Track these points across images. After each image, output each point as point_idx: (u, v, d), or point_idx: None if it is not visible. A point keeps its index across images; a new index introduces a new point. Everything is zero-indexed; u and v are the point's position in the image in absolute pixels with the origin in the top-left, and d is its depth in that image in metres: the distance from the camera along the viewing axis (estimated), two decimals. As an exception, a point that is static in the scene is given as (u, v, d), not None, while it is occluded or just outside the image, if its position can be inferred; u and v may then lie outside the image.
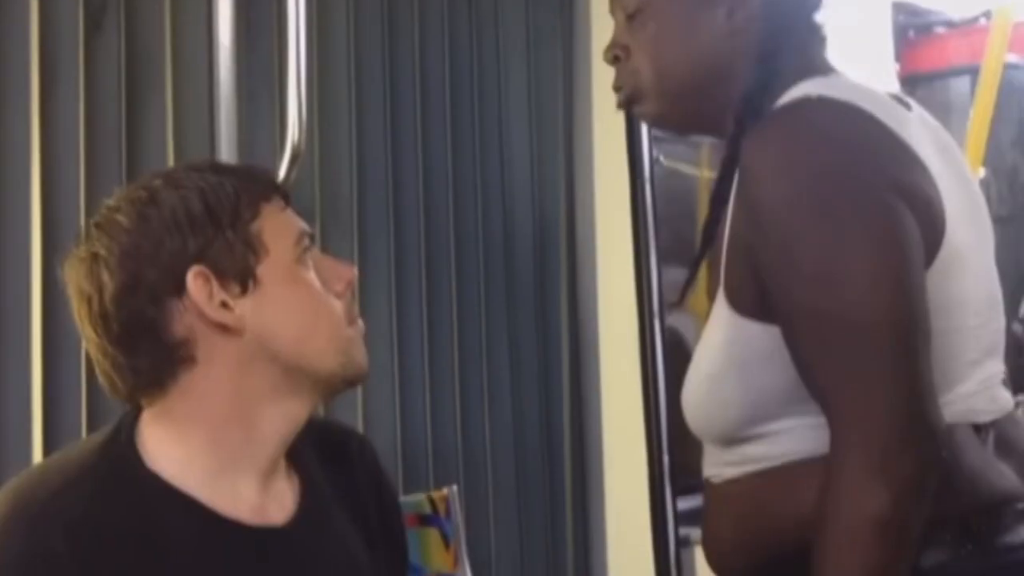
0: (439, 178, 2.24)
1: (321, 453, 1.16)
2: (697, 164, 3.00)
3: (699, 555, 2.44)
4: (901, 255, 1.08)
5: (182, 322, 1.03)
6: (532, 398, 2.41)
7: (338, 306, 1.08)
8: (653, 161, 2.42)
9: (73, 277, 1.05)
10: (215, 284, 1.03)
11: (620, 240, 2.46)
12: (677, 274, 2.95)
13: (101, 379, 1.07)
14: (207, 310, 1.02)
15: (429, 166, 2.22)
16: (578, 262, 2.50)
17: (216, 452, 1.05)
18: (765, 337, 1.14)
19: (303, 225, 1.10)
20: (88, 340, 1.05)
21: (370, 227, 2.11)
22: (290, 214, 1.09)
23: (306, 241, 1.08)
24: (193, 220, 1.03)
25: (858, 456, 1.06)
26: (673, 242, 2.68)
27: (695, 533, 2.48)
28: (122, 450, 1.04)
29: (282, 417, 1.06)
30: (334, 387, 1.10)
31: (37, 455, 1.61)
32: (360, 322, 1.11)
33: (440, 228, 2.25)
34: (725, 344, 1.17)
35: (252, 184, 1.07)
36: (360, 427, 2.00)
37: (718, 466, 1.24)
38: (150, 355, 1.03)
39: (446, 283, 2.25)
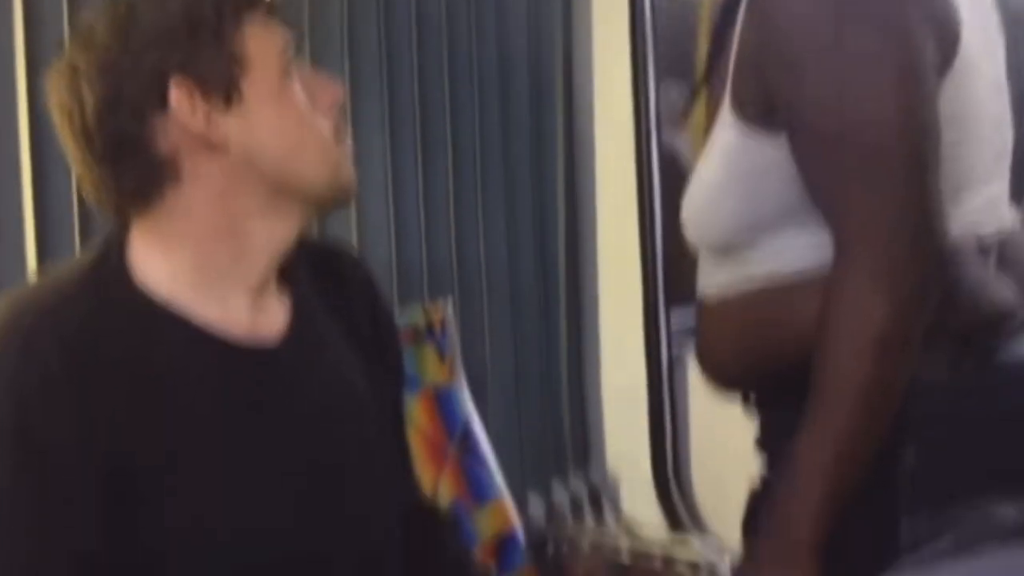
0: (434, 22, 2.18)
1: (314, 271, 1.15)
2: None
3: (692, 365, 2.49)
4: (915, 72, 1.07)
5: (166, 138, 1.01)
6: (526, 212, 2.40)
7: (325, 124, 1.06)
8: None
9: (55, 91, 1.03)
10: (198, 97, 1.00)
11: (618, 57, 2.41)
12: (675, 93, 2.90)
13: (87, 194, 1.06)
14: (190, 124, 1.00)
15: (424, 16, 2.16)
16: (575, 79, 2.46)
17: (204, 269, 1.04)
18: (768, 147, 1.13)
19: (287, 35, 1.06)
20: (72, 156, 1.04)
21: (359, 35, 2.05)
22: (274, 24, 1.06)
23: (291, 51, 1.06)
24: (173, 31, 1.00)
25: (863, 271, 1.07)
26: (671, 60, 2.62)
27: (688, 349, 2.52)
28: (112, 268, 1.03)
29: (271, 234, 1.05)
30: (322, 205, 1.09)
31: (31, 272, 1.61)
32: (348, 140, 1.09)
33: (434, 41, 2.19)
34: (728, 153, 1.17)
35: None
36: (354, 242, 1.99)
37: (716, 281, 1.24)
38: (135, 171, 1.01)
39: (440, 98, 2.21)
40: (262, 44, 1.03)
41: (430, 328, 1.86)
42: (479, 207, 2.30)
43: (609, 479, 2.52)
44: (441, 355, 1.87)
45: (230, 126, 1.01)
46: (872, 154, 1.07)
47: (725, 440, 2.47)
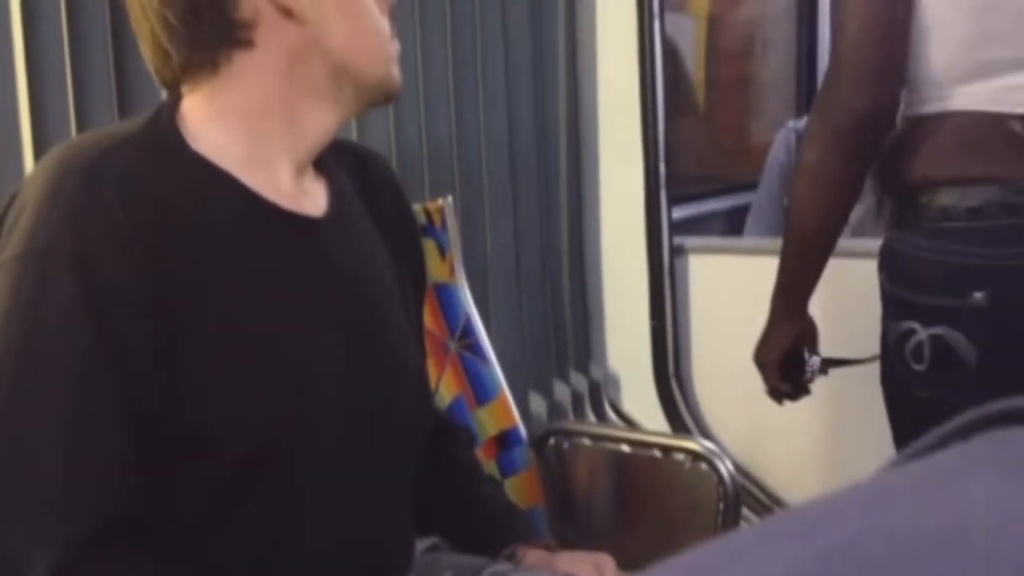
0: None
1: (349, 168, 1.20)
2: None
3: (692, 262, 2.48)
4: None
5: (249, 2, 1.04)
6: (527, 108, 2.36)
7: (384, 22, 1.11)
8: None
9: None
10: None
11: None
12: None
13: (150, 56, 1.07)
14: None
15: None
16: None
17: (256, 138, 1.07)
18: None
19: None
20: (144, 20, 1.05)
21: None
22: None
23: None
24: None
25: (819, 97, 1.40)
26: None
27: (688, 241, 2.49)
28: (165, 130, 1.05)
29: (321, 117, 1.09)
30: (372, 98, 1.13)
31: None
32: (397, 42, 1.13)
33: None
34: None
35: None
36: (355, 139, 1.95)
37: None
38: (212, 29, 1.04)
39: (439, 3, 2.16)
40: None
41: (430, 224, 1.83)
42: (480, 104, 2.25)
43: (611, 378, 2.52)
44: (442, 252, 1.84)
45: (306, 2, 1.05)
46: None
47: (726, 340, 2.49)
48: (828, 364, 1.64)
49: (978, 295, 1.32)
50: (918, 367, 1.39)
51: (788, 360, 1.62)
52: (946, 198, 1.35)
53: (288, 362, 1.05)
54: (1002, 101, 1.32)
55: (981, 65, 1.32)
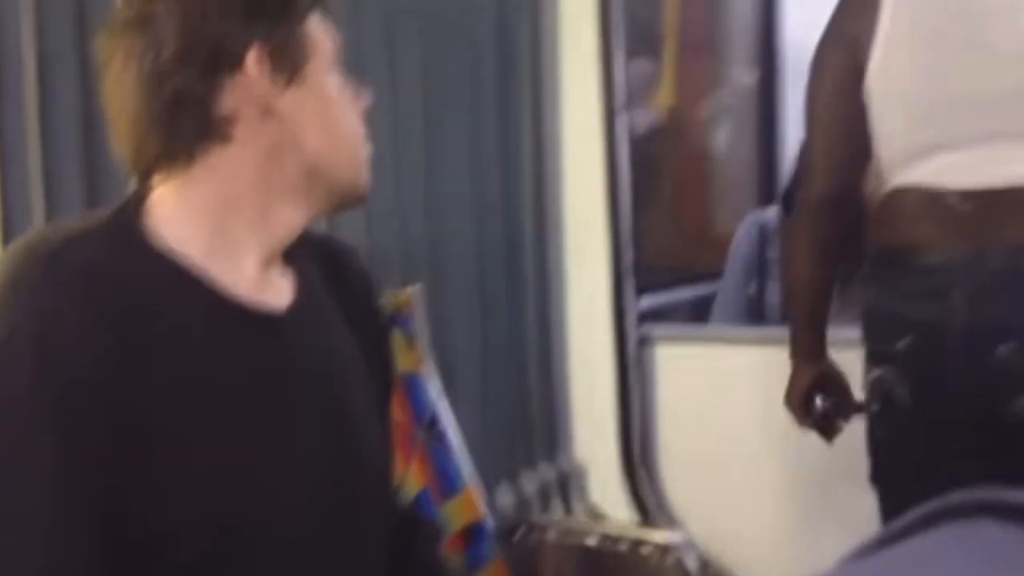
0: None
1: (320, 261, 1.20)
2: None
3: (659, 351, 2.49)
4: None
5: (230, 99, 1.05)
6: (495, 200, 2.38)
7: (360, 124, 1.13)
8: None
9: (121, 35, 1.06)
10: (269, 67, 1.06)
11: (585, 35, 2.38)
12: (641, 67, 2.89)
13: (124, 145, 1.08)
14: (257, 90, 1.05)
15: None
16: (542, 61, 2.43)
17: (224, 231, 1.07)
18: None
19: (337, 41, 1.14)
20: (122, 107, 1.06)
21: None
22: (327, 26, 1.14)
23: (341, 61, 1.13)
24: (264, 2, 1.07)
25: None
26: (638, 37, 2.60)
27: (655, 330, 2.51)
28: (129, 220, 1.05)
29: (291, 213, 1.10)
30: (343, 200, 1.14)
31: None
32: (370, 145, 1.15)
33: (412, 37, 2.16)
34: None
35: None
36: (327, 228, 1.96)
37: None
38: (193, 122, 1.05)
39: (413, 88, 2.18)
40: (323, 37, 1.12)
41: (399, 314, 1.83)
42: (448, 197, 2.27)
43: (577, 468, 2.51)
44: (410, 342, 1.84)
45: (288, 100, 1.07)
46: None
47: (694, 428, 2.49)
48: (842, 408, 1.86)
49: (903, 342, 1.60)
50: (873, 408, 1.67)
51: (809, 401, 1.87)
52: (891, 259, 1.64)
53: (250, 462, 1.03)
54: (941, 177, 1.57)
55: (921, 149, 1.59)
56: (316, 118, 1.09)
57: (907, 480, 1.64)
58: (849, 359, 2.30)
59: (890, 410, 1.62)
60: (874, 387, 1.65)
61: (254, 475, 1.04)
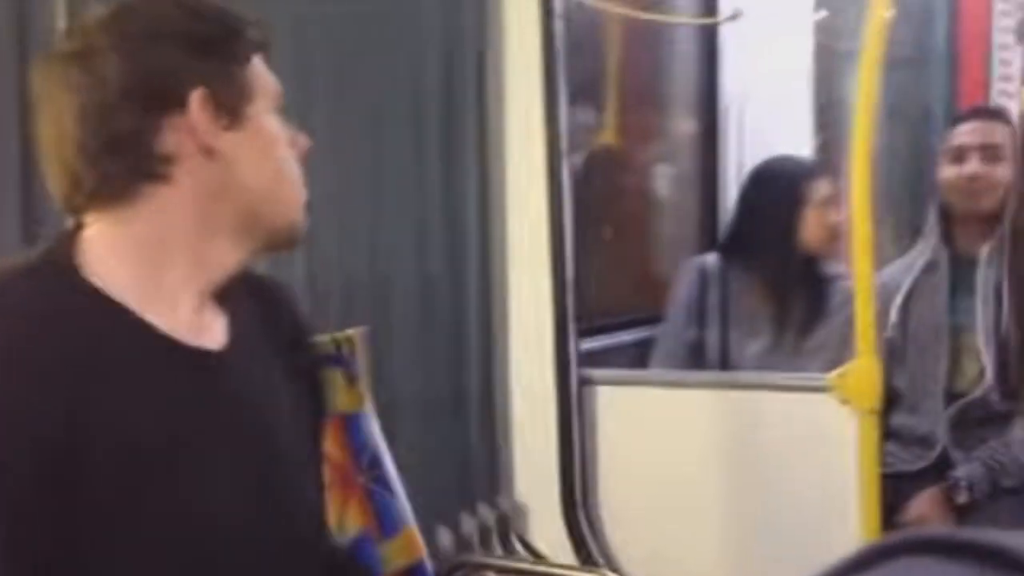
0: (349, 27, 2.16)
1: (252, 298, 1.20)
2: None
3: (600, 393, 2.51)
4: None
5: (170, 139, 1.04)
6: (438, 240, 2.39)
7: (298, 168, 1.14)
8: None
9: (61, 70, 1.05)
10: (212, 109, 1.06)
11: (529, 83, 2.41)
12: (584, 115, 2.93)
13: (59, 182, 1.06)
14: (199, 131, 1.05)
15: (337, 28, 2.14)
16: (487, 106, 2.45)
17: (158, 271, 1.06)
18: None
19: (279, 85, 1.15)
20: (58, 144, 1.05)
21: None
22: (267, 71, 1.14)
23: (279, 101, 1.14)
24: (209, 44, 1.06)
25: None
26: (581, 81, 2.64)
27: (596, 373, 2.52)
28: (62, 258, 1.04)
29: (226, 254, 1.09)
30: (278, 242, 1.15)
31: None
32: (305, 190, 1.16)
33: (349, 71, 2.18)
34: None
35: (249, 30, 1.11)
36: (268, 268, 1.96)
37: None
38: (131, 161, 1.04)
39: (354, 125, 2.19)
40: (264, 81, 1.12)
41: (340, 354, 1.83)
42: (393, 237, 2.28)
43: (518, 509, 2.51)
44: (351, 382, 1.84)
45: (229, 142, 1.07)
46: None
47: (634, 471, 2.50)
48: None
49: None
50: None
51: None
52: None
53: (184, 502, 1.03)
54: None
55: None
56: (256, 160, 1.09)
57: None
58: (793, 400, 2.34)
59: None
60: None
61: (189, 515, 1.03)
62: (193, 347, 1.07)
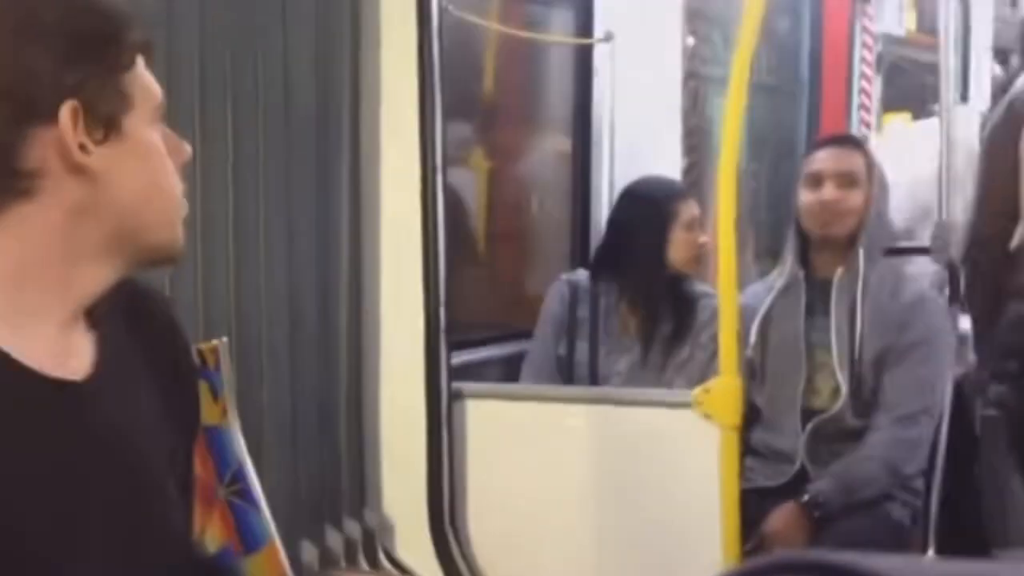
0: (218, 48, 2.13)
1: (124, 312, 1.12)
2: (486, 15, 2.97)
3: (470, 407, 2.51)
4: None
5: (38, 152, 0.97)
6: (308, 252, 2.36)
7: (178, 182, 1.07)
8: (442, 10, 2.37)
9: None
10: (84, 121, 0.98)
11: (405, 99, 2.41)
12: (459, 130, 2.94)
13: None
14: (69, 145, 0.97)
15: (207, 38, 2.10)
16: (362, 120, 2.44)
17: (20, 293, 1.00)
18: None
19: (160, 91, 1.07)
20: None
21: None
22: (149, 74, 1.06)
23: (161, 108, 1.06)
24: (80, 52, 0.98)
25: None
26: (456, 97, 2.65)
27: (466, 387, 2.53)
28: None
29: (94, 277, 1.03)
30: (154, 260, 1.09)
31: None
32: (186, 203, 1.10)
33: (217, 88, 2.14)
34: None
35: (133, 30, 1.02)
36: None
37: None
38: None
39: (222, 134, 2.16)
40: (145, 89, 1.04)
41: (204, 366, 1.79)
42: (260, 247, 2.24)
43: (385, 524, 2.49)
44: (215, 394, 1.80)
45: (102, 157, 0.99)
46: None
47: (503, 485, 2.51)
48: None
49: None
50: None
51: None
52: None
53: (47, 539, 0.98)
54: None
55: None
56: (132, 175, 1.02)
57: None
58: (659, 415, 2.38)
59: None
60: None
61: (51, 552, 0.98)
62: (57, 377, 1.01)
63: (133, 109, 1.02)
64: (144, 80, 1.04)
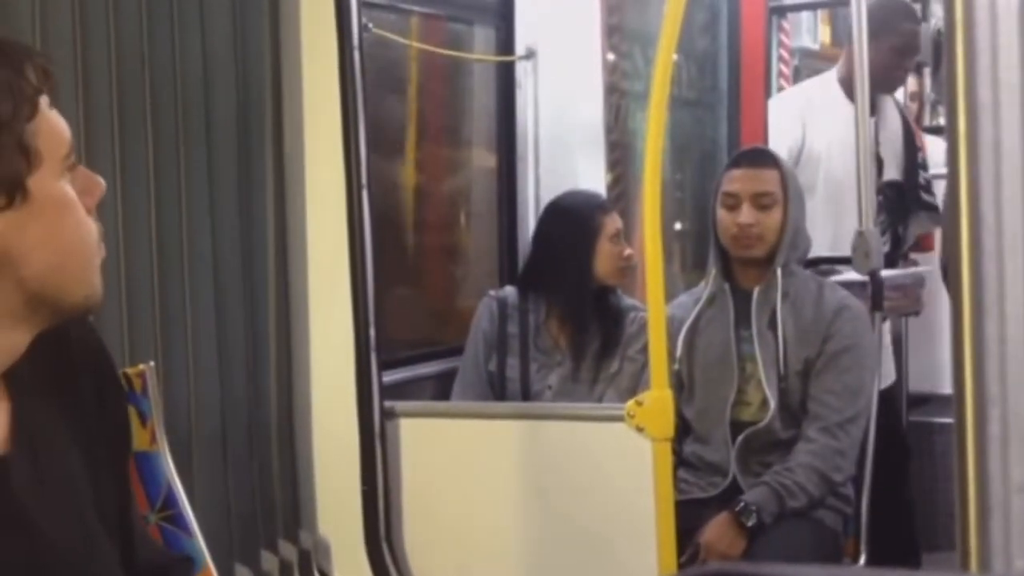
0: (132, 49, 2.10)
1: (43, 353, 1.06)
2: (407, 34, 2.97)
3: (403, 425, 2.50)
4: None
5: None
6: (235, 274, 2.34)
7: (95, 228, 1.00)
8: (363, 28, 2.37)
9: None
10: None
11: (329, 114, 2.40)
12: (384, 147, 2.93)
13: None
14: None
15: (121, 37, 2.07)
16: (284, 133, 2.43)
17: None
18: None
19: (69, 131, 0.98)
20: None
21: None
22: (57, 114, 0.97)
23: (74, 154, 0.98)
24: None
25: None
26: (382, 114, 2.64)
27: (399, 405, 2.52)
28: None
29: (10, 341, 0.97)
30: (72, 314, 1.03)
31: None
32: (103, 248, 1.03)
33: (135, 96, 2.11)
34: None
35: (30, 72, 0.93)
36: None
37: None
38: None
39: (142, 153, 2.13)
40: (52, 139, 0.95)
41: (131, 391, 1.76)
42: (184, 268, 2.22)
43: (321, 545, 2.47)
44: (143, 419, 1.77)
45: (7, 224, 0.92)
46: None
47: (438, 503, 2.50)
48: None
49: None
50: None
51: None
52: None
53: None
54: None
55: None
56: (41, 237, 0.95)
57: None
58: (592, 429, 2.39)
59: None
60: None
61: None
62: None
63: (38, 167, 0.94)
64: (49, 125, 0.96)
